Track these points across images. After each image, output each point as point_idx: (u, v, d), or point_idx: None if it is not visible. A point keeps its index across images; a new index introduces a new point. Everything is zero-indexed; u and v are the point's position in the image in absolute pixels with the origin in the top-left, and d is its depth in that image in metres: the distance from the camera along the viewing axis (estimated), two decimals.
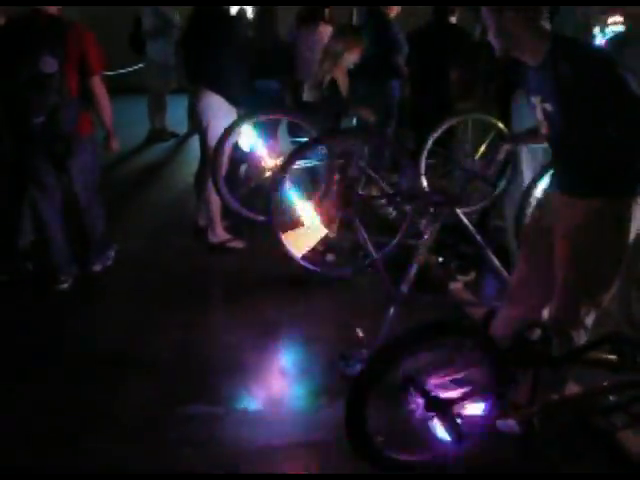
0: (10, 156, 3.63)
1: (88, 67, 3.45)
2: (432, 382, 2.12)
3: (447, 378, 2.15)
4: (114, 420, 2.72)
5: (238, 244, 4.46)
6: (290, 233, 3.39)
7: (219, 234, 4.46)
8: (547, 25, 2.21)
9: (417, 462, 2.20)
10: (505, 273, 3.18)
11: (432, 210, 2.84)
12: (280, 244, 3.31)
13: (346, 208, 3.05)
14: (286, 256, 3.96)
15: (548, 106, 2.22)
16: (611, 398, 2.38)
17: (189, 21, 4.57)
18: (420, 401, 2.09)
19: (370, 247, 3.11)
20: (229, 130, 3.65)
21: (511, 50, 2.27)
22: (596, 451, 2.55)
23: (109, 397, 2.88)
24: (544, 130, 2.32)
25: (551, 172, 2.49)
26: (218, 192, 3.79)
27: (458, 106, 4.22)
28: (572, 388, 2.56)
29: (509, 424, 2.32)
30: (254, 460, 2.50)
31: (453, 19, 5.18)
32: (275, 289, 3.88)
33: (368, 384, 2.01)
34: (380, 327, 3.08)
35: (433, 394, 2.09)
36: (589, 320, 2.38)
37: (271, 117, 4.05)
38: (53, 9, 3.42)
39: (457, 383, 2.16)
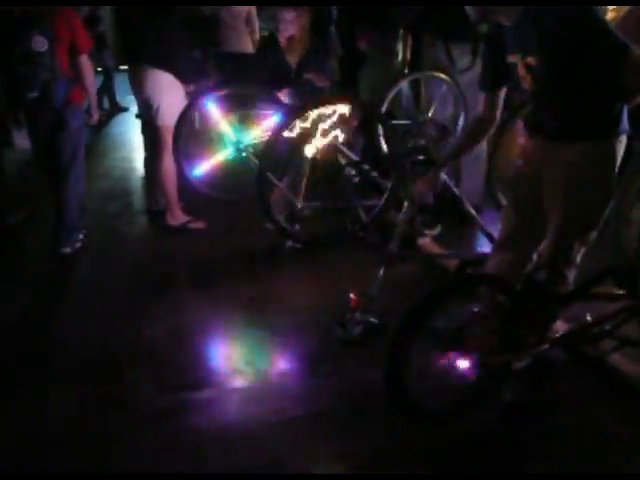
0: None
1: (76, 47, 3.78)
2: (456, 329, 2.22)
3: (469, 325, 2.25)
4: (121, 411, 2.67)
5: (199, 225, 4.39)
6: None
7: (178, 216, 4.37)
8: None
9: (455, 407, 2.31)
10: (482, 223, 3.32)
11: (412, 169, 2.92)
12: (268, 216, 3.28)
13: (336, 176, 3.08)
14: (252, 231, 4.00)
15: (531, 60, 2.31)
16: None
17: None
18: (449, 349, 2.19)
19: (362, 213, 3.16)
20: (190, 107, 3.55)
21: (486, 13, 2.34)
22: (590, 376, 2.77)
23: (110, 388, 2.81)
24: (527, 84, 2.42)
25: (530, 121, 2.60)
26: (183, 174, 3.69)
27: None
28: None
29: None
30: (268, 438, 2.49)
31: None
32: (250, 264, 3.87)
33: (404, 344, 2.09)
34: (367, 289, 3.17)
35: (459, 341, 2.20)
36: (578, 257, 2.55)
37: (233, 91, 3.94)
38: None
39: (477, 328, 2.27)
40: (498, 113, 2.61)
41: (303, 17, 3.84)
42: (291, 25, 3.85)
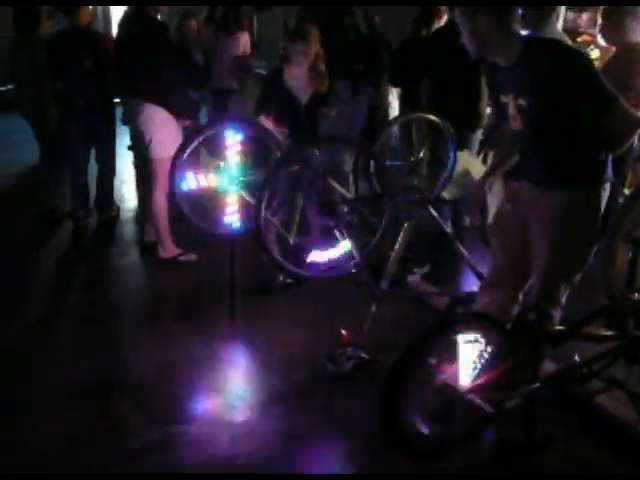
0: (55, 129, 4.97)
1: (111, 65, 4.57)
2: (451, 370, 2.25)
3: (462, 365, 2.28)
4: (109, 443, 2.66)
5: (191, 258, 4.41)
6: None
7: (170, 249, 4.39)
8: (518, 27, 2.40)
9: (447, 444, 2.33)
10: (472, 263, 3.37)
11: (406, 208, 2.99)
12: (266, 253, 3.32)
13: (330, 215, 3.13)
14: (244, 264, 4.01)
15: (522, 102, 2.37)
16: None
17: (120, 31, 4.47)
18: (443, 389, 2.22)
19: (355, 250, 3.21)
20: (186, 142, 3.60)
21: (485, 53, 2.44)
22: (578, 416, 2.80)
23: (99, 420, 2.81)
24: (517, 125, 2.49)
25: (519, 165, 2.67)
26: (179, 208, 3.70)
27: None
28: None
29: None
30: (257, 473, 2.50)
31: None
32: (241, 298, 3.87)
33: (400, 385, 2.11)
34: (357, 324, 3.19)
35: (452, 382, 2.23)
36: (564, 298, 2.61)
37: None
38: (85, 21, 4.67)
39: (470, 367, 2.30)
40: None
41: (314, 47, 3.74)
42: (304, 58, 3.73)
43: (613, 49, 3.55)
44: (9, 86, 8.14)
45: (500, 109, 2.54)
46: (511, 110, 2.46)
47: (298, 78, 3.79)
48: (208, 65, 5.54)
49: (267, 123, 3.77)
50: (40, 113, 5.01)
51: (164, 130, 4.16)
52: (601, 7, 3.58)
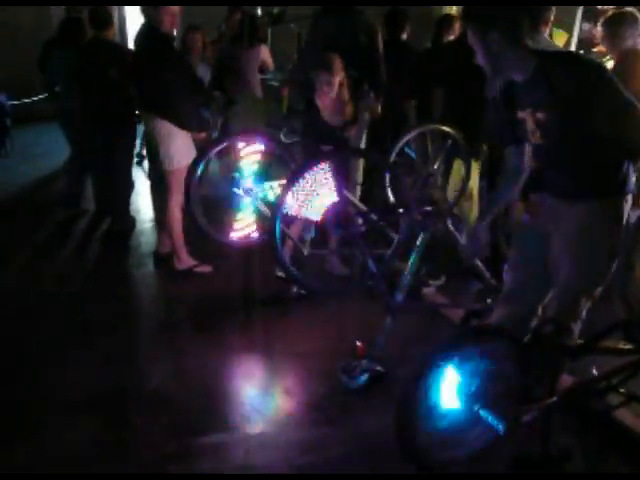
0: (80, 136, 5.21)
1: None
2: (467, 383, 2.23)
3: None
4: (127, 455, 2.67)
5: (206, 269, 4.42)
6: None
7: (185, 260, 4.40)
8: (530, 43, 2.39)
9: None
10: (489, 277, 3.35)
11: (421, 220, 2.99)
12: (281, 264, 3.34)
13: (344, 226, 3.14)
14: (259, 276, 4.04)
15: (541, 115, 2.35)
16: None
17: (136, 47, 4.53)
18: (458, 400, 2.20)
19: (371, 262, 3.20)
20: (201, 155, 3.62)
21: (500, 70, 2.42)
22: (597, 430, 2.76)
23: (117, 431, 2.82)
24: (535, 139, 2.47)
25: (538, 177, 2.65)
26: (194, 220, 3.71)
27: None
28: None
29: None
30: None
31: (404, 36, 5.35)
32: (256, 309, 3.89)
33: (415, 398, 2.10)
34: (372, 337, 3.18)
35: (467, 395, 2.22)
36: (584, 312, 2.58)
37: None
38: (112, 35, 5.02)
39: (487, 380, 2.28)
40: (526, 161, 2.64)
41: (338, 76, 3.78)
42: (329, 87, 3.79)
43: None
44: (25, 99, 8.33)
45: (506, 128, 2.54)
46: (530, 125, 2.44)
47: (328, 107, 3.87)
48: (219, 79, 5.57)
49: None
50: (75, 123, 5.18)
51: (174, 143, 4.16)
52: (602, 17, 3.72)
